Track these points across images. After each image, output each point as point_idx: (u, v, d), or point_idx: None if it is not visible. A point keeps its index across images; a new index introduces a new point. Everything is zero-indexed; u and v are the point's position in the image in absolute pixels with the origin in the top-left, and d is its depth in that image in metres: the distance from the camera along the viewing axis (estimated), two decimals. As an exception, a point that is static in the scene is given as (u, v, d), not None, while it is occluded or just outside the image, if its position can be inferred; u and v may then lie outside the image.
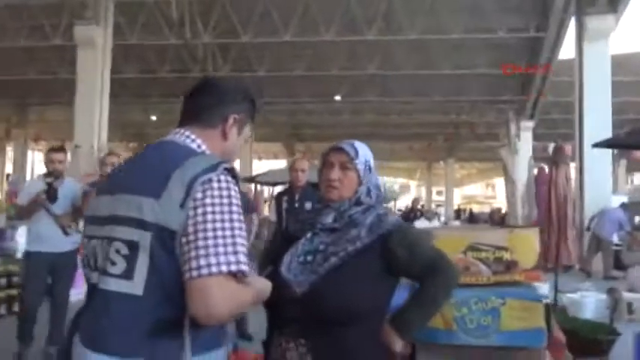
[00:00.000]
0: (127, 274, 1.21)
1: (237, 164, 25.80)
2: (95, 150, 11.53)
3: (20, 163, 24.73)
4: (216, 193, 1.20)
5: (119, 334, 1.18)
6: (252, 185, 17.02)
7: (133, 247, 1.21)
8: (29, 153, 27.44)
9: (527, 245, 2.11)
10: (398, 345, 1.59)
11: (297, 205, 4.21)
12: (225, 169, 1.26)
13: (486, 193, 54.53)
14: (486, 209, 35.52)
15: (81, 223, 4.37)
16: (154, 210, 1.19)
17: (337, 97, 20.28)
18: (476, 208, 39.81)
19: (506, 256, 2.09)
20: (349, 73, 17.88)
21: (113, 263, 1.23)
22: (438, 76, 17.91)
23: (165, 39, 15.12)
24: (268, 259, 1.72)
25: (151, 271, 1.19)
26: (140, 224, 1.20)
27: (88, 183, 4.73)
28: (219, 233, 1.17)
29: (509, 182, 7.06)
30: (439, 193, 44.09)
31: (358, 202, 1.66)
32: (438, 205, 40.21)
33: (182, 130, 1.40)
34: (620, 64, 15.48)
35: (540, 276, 2.19)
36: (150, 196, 1.20)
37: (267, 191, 17.76)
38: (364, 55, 16.70)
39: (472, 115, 23.83)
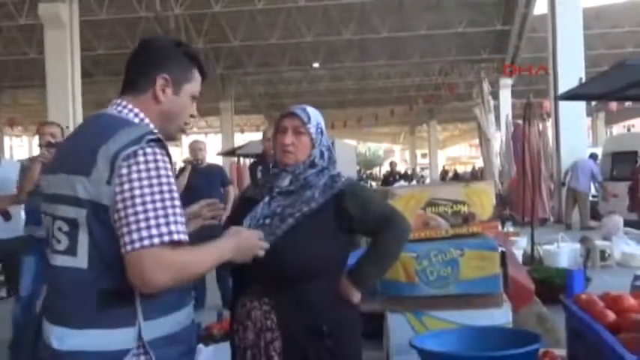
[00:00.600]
0: (71, 251, 1.25)
1: (219, 138, 25.71)
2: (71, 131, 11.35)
3: (-3, 150, 24.29)
4: (142, 166, 1.20)
5: (71, 307, 1.24)
6: (235, 158, 16.98)
7: (72, 224, 1.24)
8: (6, 139, 26.93)
9: (483, 198, 2.19)
10: (356, 297, 1.68)
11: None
12: (151, 139, 1.24)
13: (470, 153, 55.03)
14: (470, 169, 35.97)
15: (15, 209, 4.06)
16: (86, 188, 1.21)
17: (315, 65, 20.11)
18: (460, 169, 40.27)
19: (464, 209, 2.18)
20: (325, 39, 17.70)
21: (58, 241, 1.28)
22: (415, 38, 17.82)
23: (134, 12, 14.76)
24: (229, 223, 1.77)
25: (91, 246, 1.23)
26: (75, 202, 1.23)
27: (29, 158, 4.31)
28: (149, 206, 1.18)
29: (485, 140, 7.17)
30: (424, 155, 44.43)
31: (312, 165, 1.72)
32: (423, 168, 40.61)
33: (119, 101, 1.38)
34: (593, 16, 15.54)
35: (497, 226, 2.28)
36: (81, 174, 1.22)
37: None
38: (339, 20, 16.50)
39: (451, 75, 23.85)
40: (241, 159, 16.57)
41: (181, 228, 1.21)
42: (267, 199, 1.69)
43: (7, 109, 24.11)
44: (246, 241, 1.42)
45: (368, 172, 35.35)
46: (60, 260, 1.27)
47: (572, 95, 5.44)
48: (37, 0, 11.98)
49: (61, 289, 1.26)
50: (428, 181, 28.68)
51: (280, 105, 29.74)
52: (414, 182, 9.24)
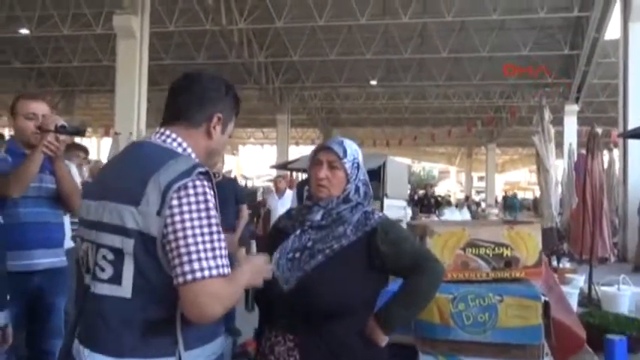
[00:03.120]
0: (115, 279, 1.26)
1: (274, 150, 26.12)
2: (134, 136, 11.86)
3: (68, 149, 25.70)
4: (192, 199, 1.22)
5: (113, 335, 1.24)
6: (288, 172, 17.15)
7: (117, 253, 1.25)
8: (76, 139, 28.46)
9: (528, 242, 2.07)
10: (382, 340, 1.62)
11: None
12: (200, 172, 1.26)
13: (530, 179, 52.93)
14: (530, 196, 34.56)
15: None
16: (135, 218, 1.22)
17: (373, 82, 20.08)
18: (519, 195, 38.79)
19: (507, 252, 2.06)
20: (385, 57, 17.67)
21: (102, 269, 1.28)
22: (476, 59, 17.45)
23: (202, 25, 15.34)
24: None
25: (136, 275, 1.23)
26: (123, 231, 1.24)
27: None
28: (199, 239, 1.19)
29: (543, 170, 6.85)
30: (480, 179, 43.20)
31: (346, 200, 1.68)
32: (479, 192, 39.44)
33: (164, 130, 1.39)
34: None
35: (542, 272, 2.15)
36: (130, 203, 1.23)
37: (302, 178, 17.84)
38: (400, 39, 16.43)
39: (513, 99, 23.16)
40: (293, 173, 16.72)
41: (226, 262, 1.24)
42: (298, 232, 1.67)
43: (79, 112, 25.61)
44: (258, 267, 1.44)
45: (421, 192, 34.74)
46: (103, 289, 1.28)
47: (635, 133, 5.07)
48: (112, 11, 12.72)
49: (103, 318, 1.26)
50: (483, 205, 27.77)
51: (336, 120, 29.97)
52: (465, 210, 8.65)
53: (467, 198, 26.42)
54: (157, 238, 1.21)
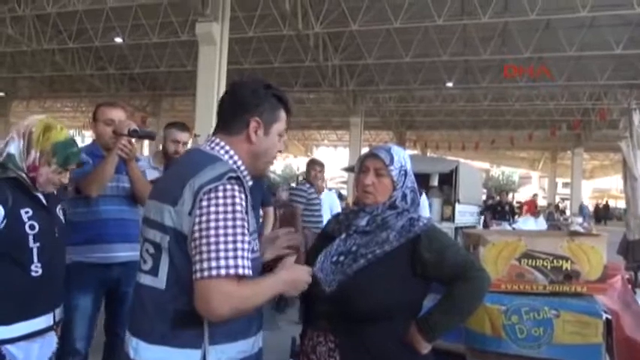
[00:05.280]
0: (154, 271, 1.37)
1: (346, 152, 26.17)
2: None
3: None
4: (220, 201, 1.29)
5: (147, 322, 1.36)
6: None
7: (157, 247, 1.36)
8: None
9: (591, 255, 1.96)
10: (423, 347, 1.60)
11: None
12: (231, 177, 1.33)
13: (621, 186, 49.05)
14: (621, 204, 32.02)
15: None
16: (171, 216, 1.32)
17: (449, 84, 19.59)
18: (610, 204, 36.16)
19: (566, 265, 1.97)
20: (462, 58, 17.18)
21: (145, 261, 1.41)
22: (562, 59, 16.48)
23: (279, 30, 15.75)
24: (308, 257, 1.79)
25: (170, 269, 1.34)
26: (162, 228, 1.34)
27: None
28: (221, 239, 1.26)
29: (630, 178, 6.34)
30: (565, 185, 40.71)
31: (392, 206, 1.69)
32: (564, 199, 37.14)
33: (214, 139, 1.50)
34: None
35: (607, 288, 2.03)
36: (169, 203, 1.34)
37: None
38: (478, 39, 15.89)
39: (604, 100, 21.62)
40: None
41: (247, 263, 1.28)
42: (343, 235, 1.71)
43: (165, 114, 27.20)
44: (299, 276, 1.47)
45: (498, 198, 33.27)
46: (144, 279, 1.40)
47: None
48: (196, 19, 13.39)
49: (142, 305, 1.39)
50: (568, 213, 26.13)
51: (410, 122, 29.52)
52: (541, 218, 8.04)
53: (557, 207, 24.89)
54: (187, 236, 1.29)
